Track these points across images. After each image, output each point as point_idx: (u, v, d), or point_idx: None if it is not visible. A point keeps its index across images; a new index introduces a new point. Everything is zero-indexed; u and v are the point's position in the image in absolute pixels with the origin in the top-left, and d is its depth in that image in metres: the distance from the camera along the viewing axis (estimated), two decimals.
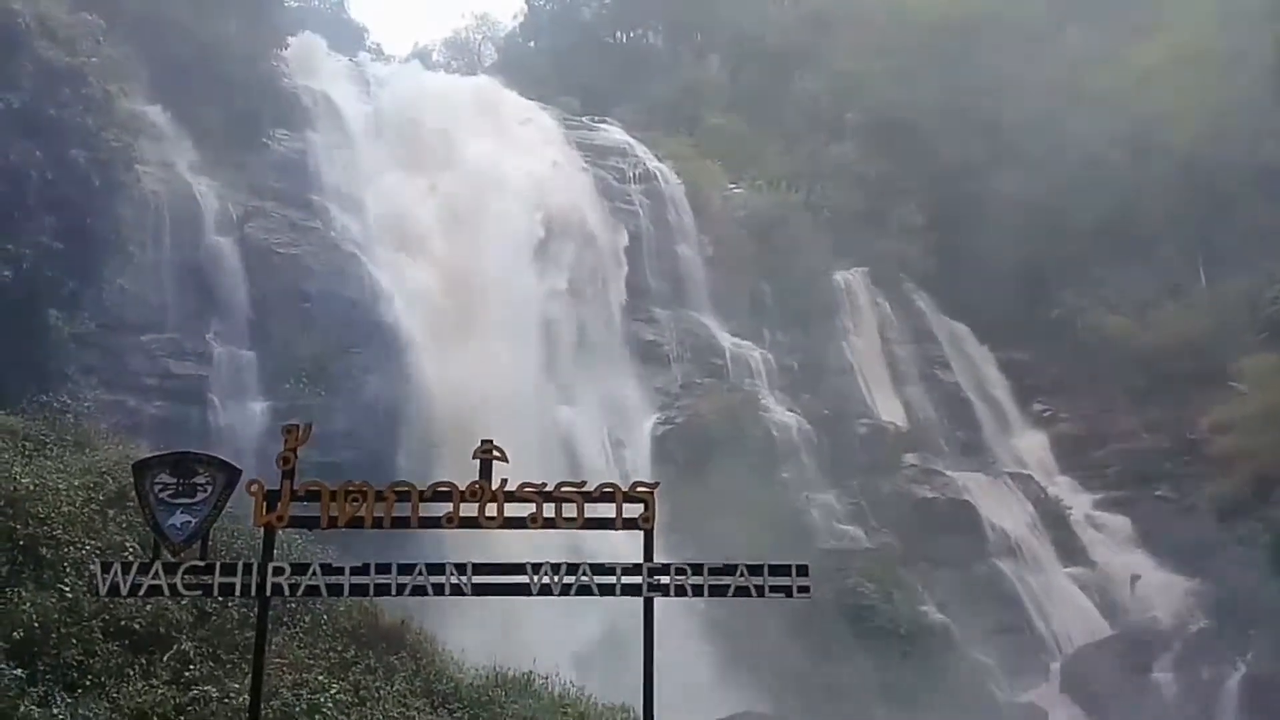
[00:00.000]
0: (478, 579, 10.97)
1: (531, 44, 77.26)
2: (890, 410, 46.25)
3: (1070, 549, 42.35)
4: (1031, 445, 48.84)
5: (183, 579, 10.85)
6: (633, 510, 11.35)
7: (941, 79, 55.43)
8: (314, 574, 11.01)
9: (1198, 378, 43.93)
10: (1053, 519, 43.07)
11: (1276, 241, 45.34)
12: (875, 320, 50.36)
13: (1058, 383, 50.17)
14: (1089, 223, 51.71)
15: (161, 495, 11.03)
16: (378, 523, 11.06)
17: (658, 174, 48.73)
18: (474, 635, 19.60)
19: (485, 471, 11.35)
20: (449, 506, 11.20)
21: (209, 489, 11.13)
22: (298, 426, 11.45)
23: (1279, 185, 44.66)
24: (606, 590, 11.10)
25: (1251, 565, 35.73)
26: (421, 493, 11.28)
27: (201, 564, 11.00)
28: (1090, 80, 52.72)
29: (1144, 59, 48.95)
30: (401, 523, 11.17)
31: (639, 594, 11.15)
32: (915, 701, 31.69)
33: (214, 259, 34.37)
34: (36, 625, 13.90)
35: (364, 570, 10.97)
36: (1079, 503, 45.10)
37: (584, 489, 11.44)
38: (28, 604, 14.17)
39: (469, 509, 11.14)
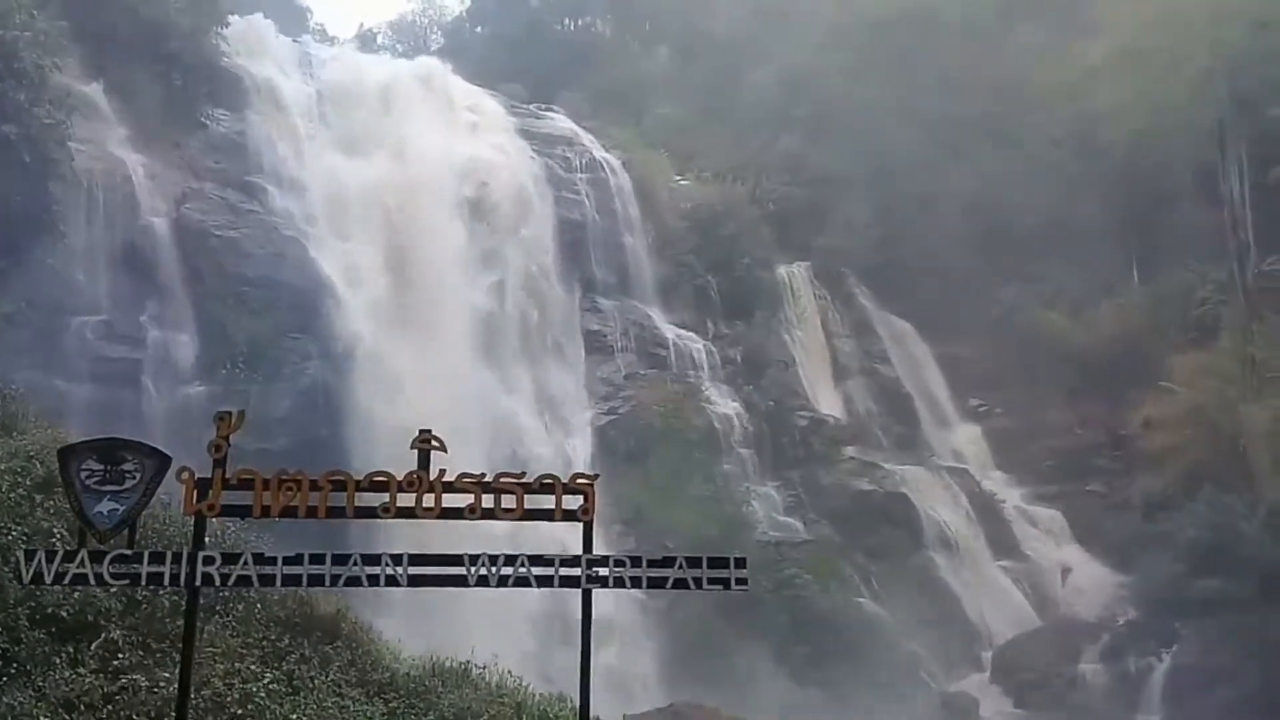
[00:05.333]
0: (414, 570, 10.84)
1: (478, 29, 76.66)
2: (830, 403, 46.76)
3: (1003, 542, 43.12)
4: (967, 440, 49.63)
5: (109, 568, 10.59)
6: (573, 502, 11.32)
7: (888, 75, 55.96)
8: (245, 564, 10.82)
9: (1130, 375, 44.91)
10: (987, 512, 43.82)
11: (1209, 243, 46.47)
12: (817, 314, 50.85)
13: (994, 378, 50.94)
14: (1028, 221, 52.60)
15: (88, 482, 10.75)
16: (312, 512, 10.90)
17: (604, 164, 48.60)
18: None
19: (423, 461, 11.22)
20: (386, 496, 11.09)
21: (137, 476, 10.86)
22: (230, 414, 11.21)
23: (1213, 187, 45.68)
24: (544, 582, 11.04)
25: (1179, 560, 36.65)
26: (358, 482, 11.12)
27: (129, 553, 10.74)
28: (1033, 79, 53.53)
29: (1086, 59, 49.79)
30: (337, 512, 11.02)
31: (577, 585, 11.11)
32: (850, 690, 32.09)
33: (149, 240, 33.65)
34: None
35: (297, 560, 10.78)
36: (1012, 497, 45.96)
37: (523, 480, 11.35)
38: None
39: (406, 499, 11.03)
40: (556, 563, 11.12)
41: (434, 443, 11.31)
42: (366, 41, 77.29)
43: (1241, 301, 43.10)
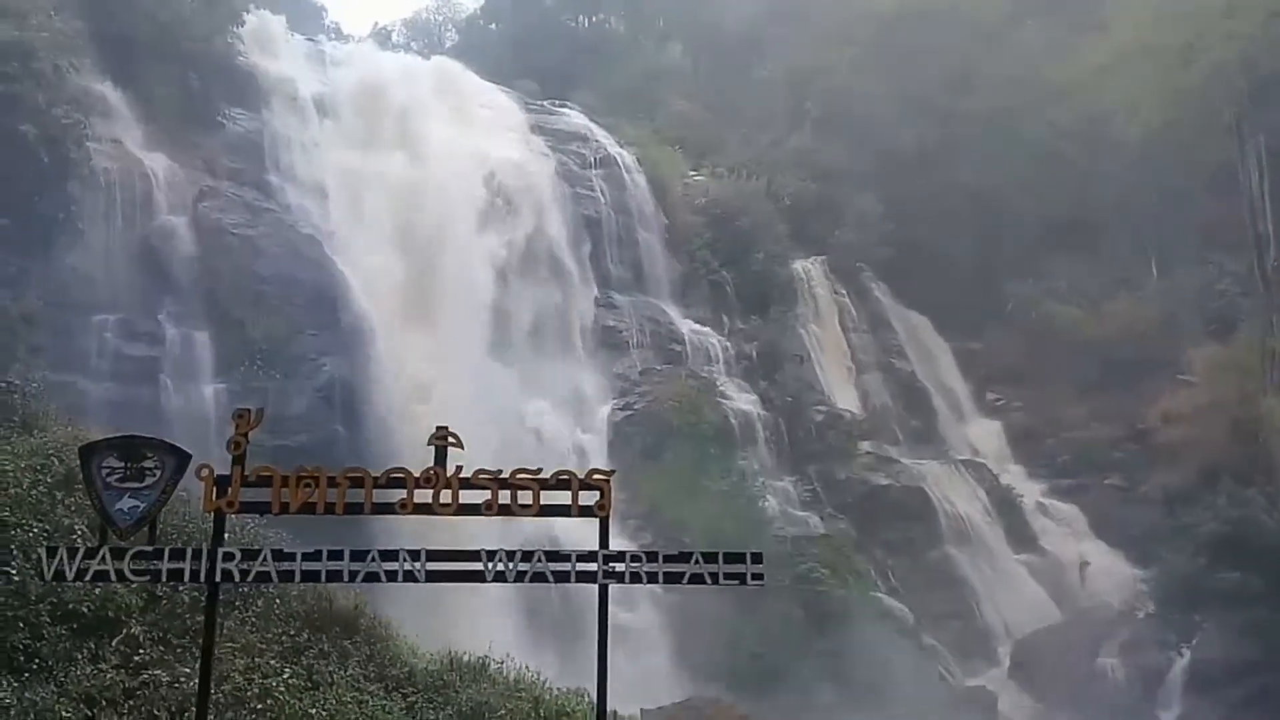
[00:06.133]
0: (431, 566, 10.88)
1: (493, 26, 76.78)
2: (847, 398, 46.63)
3: (1021, 536, 42.98)
4: (985, 433, 49.48)
5: (130, 564, 10.67)
6: (589, 497, 11.34)
7: (899, 70, 55.82)
8: (265, 560, 10.89)
9: (1147, 368, 44.73)
10: (1005, 506, 43.68)
11: (1226, 235, 46.20)
12: (833, 309, 50.72)
13: (1011, 372, 50.81)
14: (1043, 215, 52.50)
15: (109, 479, 10.83)
16: (330, 509, 10.95)
17: (618, 159, 48.62)
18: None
19: (440, 458, 11.26)
20: (403, 493, 11.13)
21: (157, 473, 10.94)
22: (249, 411, 11.30)
23: (1229, 180, 45.39)
24: (561, 577, 11.08)
25: (1198, 553, 36.45)
26: (375, 479, 11.16)
27: (150, 549, 10.82)
28: (1045, 73, 53.32)
29: (1098, 53, 49.46)
30: (355, 509, 11.08)
31: (593, 581, 11.15)
32: (867, 686, 32.03)
33: (166, 238, 33.81)
34: None
35: (316, 556, 10.84)
36: (1030, 490, 45.79)
37: (539, 476, 11.37)
38: None
39: (423, 495, 11.07)
40: (573, 558, 11.15)
41: (451, 439, 11.35)
42: (381, 39, 77.39)
43: (1261, 294, 42.81)
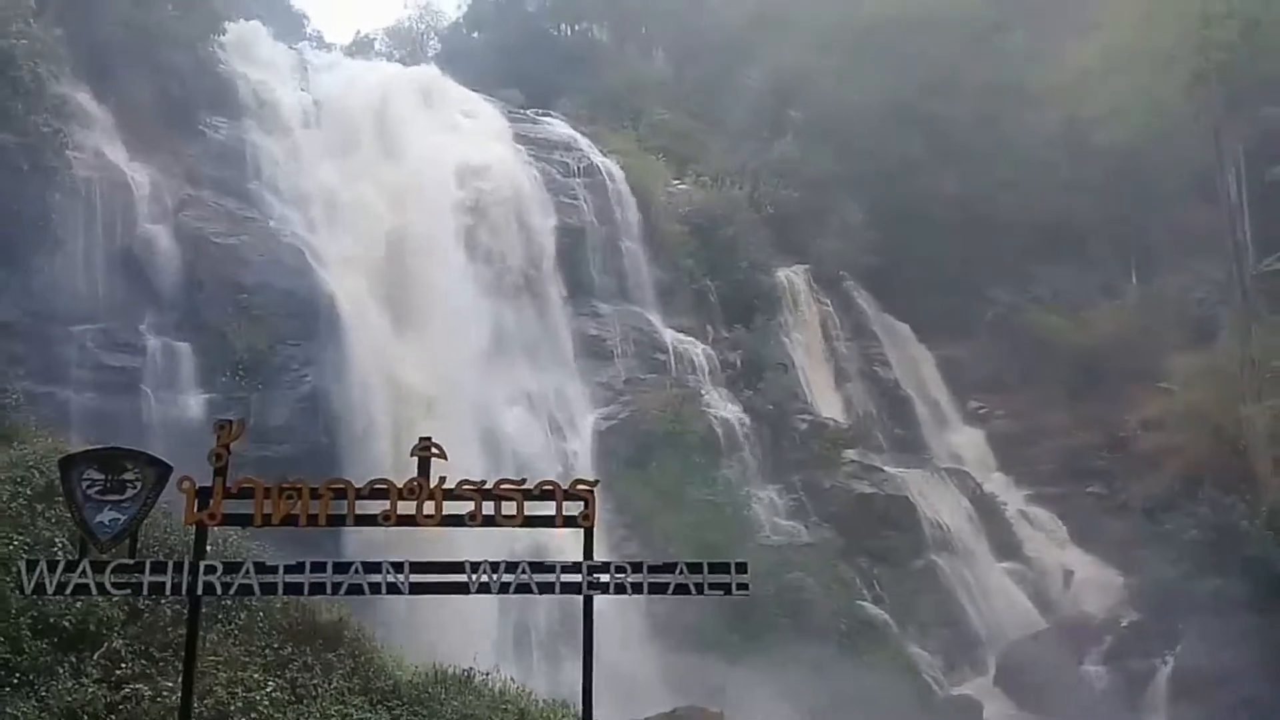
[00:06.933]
0: (415, 577, 10.88)
1: (475, 35, 76.69)
2: (830, 406, 46.71)
3: (1005, 544, 43.12)
4: (968, 442, 49.64)
5: (111, 578, 10.61)
6: (574, 508, 11.31)
7: (883, 77, 56.00)
8: (247, 572, 10.84)
9: (1129, 376, 44.92)
10: (988, 514, 43.82)
11: (1206, 242, 46.51)
12: (817, 317, 50.85)
13: (994, 380, 50.99)
14: (1026, 221, 52.73)
15: (89, 492, 10.78)
16: (312, 520, 10.91)
17: (602, 168, 48.51)
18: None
19: (423, 469, 11.24)
20: (386, 504, 11.08)
21: (138, 486, 10.89)
22: (231, 422, 11.26)
23: (1209, 186, 45.70)
24: (546, 588, 11.07)
25: (1180, 560, 36.63)
26: (358, 490, 11.13)
27: (131, 562, 10.77)
28: (1029, 80, 53.62)
29: (1081, 59, 49.74)
30: (337, 521, 11.04)
31: (578, 592, 11.14)
32: (853, 695, 32.01)
33: (147, 248, 33.54)
34: None
35: (299, 568, 10.81)
36: (1014, 498, 45.96)
37: (523, 487, 11.38)
38: None
39: (406, 507, 11.03)
40: (558, 569, 11.15)
41: (434, 450, 11.32)
42: (363, 48, 77.09)
43: (1240, 302, 43.09)
